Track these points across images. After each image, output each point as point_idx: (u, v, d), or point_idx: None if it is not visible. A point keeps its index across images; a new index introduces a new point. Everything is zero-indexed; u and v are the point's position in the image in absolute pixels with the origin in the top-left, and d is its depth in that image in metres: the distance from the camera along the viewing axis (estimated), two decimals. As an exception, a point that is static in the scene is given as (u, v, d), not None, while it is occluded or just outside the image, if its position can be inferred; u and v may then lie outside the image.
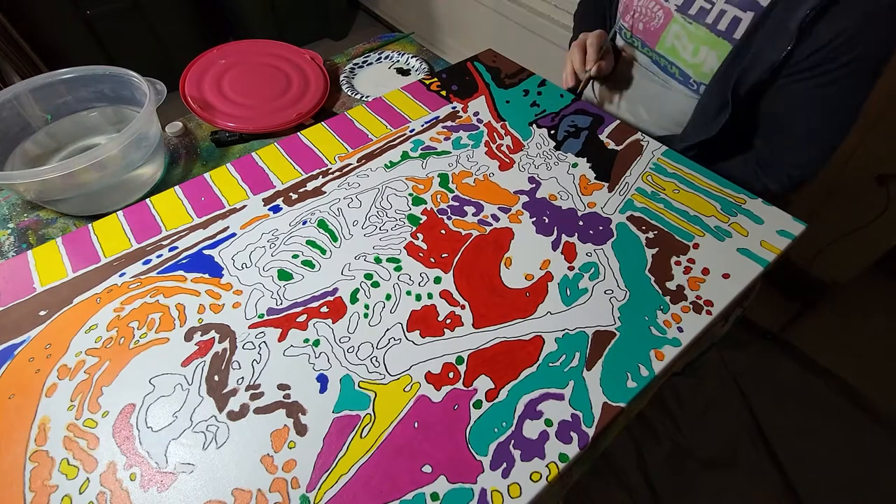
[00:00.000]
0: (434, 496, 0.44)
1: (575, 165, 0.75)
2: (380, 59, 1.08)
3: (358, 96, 0.99)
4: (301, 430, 0.48)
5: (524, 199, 0.70)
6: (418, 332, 0.56)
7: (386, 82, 1.04)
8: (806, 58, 0.65)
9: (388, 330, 0.56)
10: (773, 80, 0.69)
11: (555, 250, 0.64)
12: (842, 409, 1.37)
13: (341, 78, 1.03)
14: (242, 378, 0.52)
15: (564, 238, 0.65)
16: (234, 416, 0.49)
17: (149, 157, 0.78)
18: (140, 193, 0.79)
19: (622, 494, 1.22)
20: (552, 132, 0.80)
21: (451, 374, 0.52)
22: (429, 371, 0.52)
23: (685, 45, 0.76)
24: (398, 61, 1.08)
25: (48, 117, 0.83)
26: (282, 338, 0.55)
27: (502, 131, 0.81)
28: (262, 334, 0.55)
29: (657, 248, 0.63)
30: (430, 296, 0.59)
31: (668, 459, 1.28)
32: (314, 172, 0.74)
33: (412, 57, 1.09)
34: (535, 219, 0.67)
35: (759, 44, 0.68)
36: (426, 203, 0.70)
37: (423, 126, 0.82)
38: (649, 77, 0.87)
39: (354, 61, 1.05)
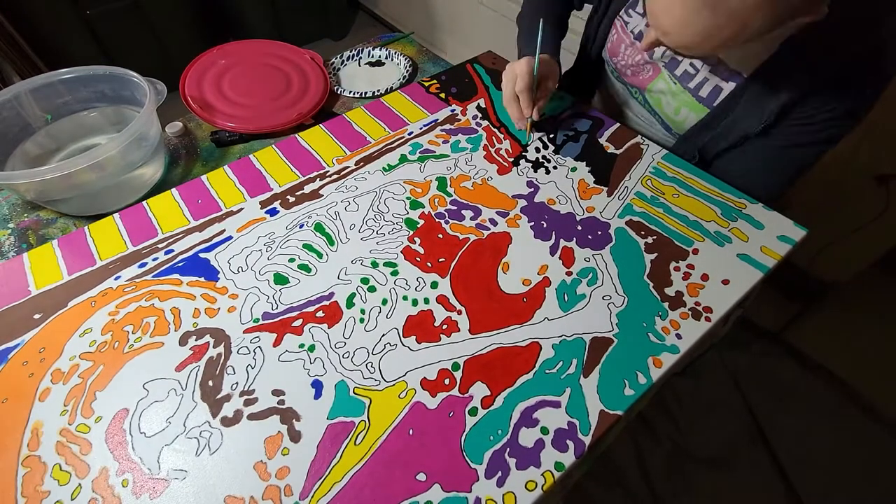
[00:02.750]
0: (428, 505, 0.44)
1: (574, 169, 0.74)
2: (350, 57, 1.08)
3: (348, 93, 0.99)
4: (295, 436, 0.48)
5: (522, 203, 0.70)
6: (414, 337, 0.55)
7: (363, 76, 1.05)
8: (778, 128, 0.67)
9: (383, 335, 0.56)
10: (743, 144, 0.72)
11: (553, 255, 0.63)
12: (842, 409, 1.36)
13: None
14: (237, 383, 0.51)
15: (563, 243, 0.65)
16: (227, 422, 0.49)
17: (149, 157, 0.78)
18: (140, 194, 0.79)
19: (622, 494, 1.22)
20: (551, 136, 0.80)
21: (446, 381, 0.52)
22: (424, 377, 0.52)
23: (669, 101, 0.77)
24: (371, 55, 1.09)
25: (48, 117, 0.83)
26: (277, 343, 0.55)
27: (501, 135, 0.80)
28: (257, 339, 0.55)
29: (656, 254, 0.63)
30: (426, 301, 0.59)
31: (668, 459, 1.27)
32: (312, 175, 0.74)
33: (378, 48, 1.09)
34: (533, 223, 0.67)
35: (735, 115, 0.69)
36: (424, 207, 0.69)
37: (421, 129, 0.81)
38: (635, 114, 0.89)
39: (332, 64, 1.05)
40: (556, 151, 0.77)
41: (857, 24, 0.59)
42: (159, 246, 0.64)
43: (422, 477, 0.45)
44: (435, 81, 0.91)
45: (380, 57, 1.08)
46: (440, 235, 0.66)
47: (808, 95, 0.63)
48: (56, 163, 0.73)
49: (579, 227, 0.66)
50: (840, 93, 0.62)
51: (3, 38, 1.64)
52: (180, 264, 0.62)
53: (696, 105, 0.73)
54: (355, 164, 0.75)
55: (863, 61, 0.60)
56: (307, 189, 0.72)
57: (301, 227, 0.67)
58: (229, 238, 0.65)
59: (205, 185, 0.72)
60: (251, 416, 0.49)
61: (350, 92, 0.98)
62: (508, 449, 0.47)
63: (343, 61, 1.07)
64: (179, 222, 0.67)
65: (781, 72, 0.64)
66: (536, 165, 0.75)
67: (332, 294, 0.59)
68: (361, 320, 0.57)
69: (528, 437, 0.48)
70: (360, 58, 1.08)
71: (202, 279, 0.61)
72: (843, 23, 0.58)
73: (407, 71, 1.03)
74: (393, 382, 0.52)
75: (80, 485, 0.45)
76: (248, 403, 0.50)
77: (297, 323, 0.57)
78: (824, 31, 0.58)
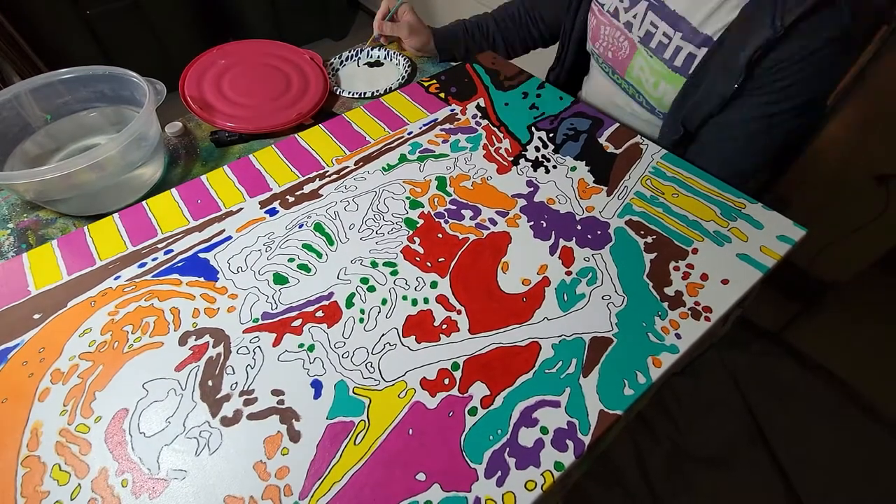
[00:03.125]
0: (427, 504, 0.44)
1: (573, 169, 0.74)
2: (349, 57, 1.08)
3: (347, 94, 0.99)
4: (294, 436, 0.48)
5: (522, 202, 0.70)
6: (414, 337, 0.55)
7: (362, 76, 1.05)
8: (750, 90, 0.70)
9: (383, 335, 0.56)
10: (722, 111, 0.74)
11: (552, 255, 0.63)
12: (842, 409, 1.36)
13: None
14: (236, 383, 0.51)
15: (562, 243, 0.65)
16: (227, 422, 0.49)
17: (148, 157, 0.78)
18: (140, 194, 0.79)
19: (621, 494, 1.22)
20: (551, 135, 0.80)
21: (446, 381, 0.52)
22: (424, 377, 0.52)
23: (647, 77, 0.80)
24: (370, 55, 1.09)
25: (48, 117, 0.83)
26: (276, 343, 0.55)
27: (501, 134, 0.80)
28: (257, 339, 0.55)
29: (656, 253, 0.63)
30: (426, 300, 0.59)
31: (668, 459, 1.28)
32: (311, 175, 0.74)
33: (377, 48, 1.09)
34: (532, 223, 0.67)
35: (709, 79, 0.72)
36: (423, 206, 0.69)
37: (421, 129, 0.81)
38: (619, 106, 0.92)
39: (331, 64, 1.05)
40: (555, 151, 0.77)
41: None
42: (159, 246, 0.64)
43: (421, 476, 0.45)
44: (434, 81, 0.91)
45: (378, 57, 1.08)
46: (440, 235, 0.66)
47: (777, 43, 0.65)
48: (55, 163, 0.73)
49: (579, 227, 0.66)
50: (814, 26, 0.63)
51: (3, 38, 1.64)
52: (180, 264, 0.62)
53: (673, 76, 0.76)
54: (355, 164, 0.75)
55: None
56: (307, 189, 0.72)
57: (300, 226, 0.67)
58: (229, 238, 0.65)
59: (204, 185, 0.72)
60: (251, 416, 0.49)
61: (349, 92, 0.98)
62: (508, 449, 0.47)
63: (342, 62, 1.07)
64: (179, 222, 0.67)
65: (746, 28, 0.66)
66: (536, 165, 0.75)
67: (331, 294, 0.59)
68: (361, 320, 0.57)
69: (527, 437, 0.48)
70: (359, 58, 1.08)
71: (202, 279, 0.61)
72: None
73: (406, 71, 1.03)
74: (392, 382, 0.52)
75: (79, 485, 0.45)
76: (247, 403, 0.50)
77: (297, 323, 0.57)
78: None
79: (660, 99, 0.80)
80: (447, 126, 0.81)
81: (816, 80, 0.67)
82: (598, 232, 0.66)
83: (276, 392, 0.51)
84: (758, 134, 0.73)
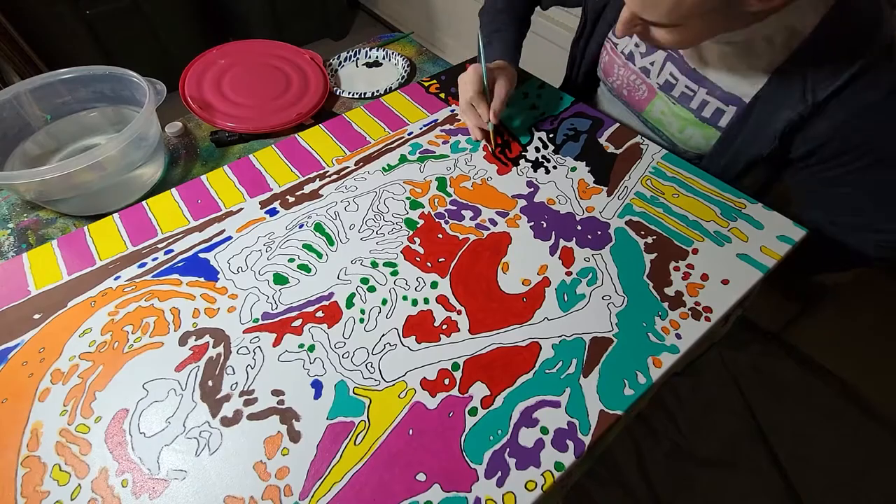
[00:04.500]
0: (428, 505, 0.44)
1: (574, 169, 0.74)
2: (348, 58, 1.08)
3: (347, 94, 0.99)
4: (295, 436, 0.48)
5: (522, 203, 0.70)
6: (414, 337, 0.55)
7: (362, 77, 1.05)
8: (813, 162, 0.65)
9: (383, 335, 0.56)
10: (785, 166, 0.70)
11: (552, 255, 0.63)
12: (842, 409, 1.36)
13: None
14: (236, 383, 0.51)
15: (562, 243, 0.65)
16: (227, 422, 0.49)
17: (148, 157, 0.78)
18: (140, 194, 0.79)
19: (621, 494, 1.21)
20: (551, 135, 0.80)
21: (446, 381, 0.52)
22: (424, 377, 0.52)
23: (671, 121, 0.76)
24: (368, 56, 1.09)
25: (48, 117, 0.83)
26: (276, 343, 0.55)
27: (501, 135, 0.80)
28: (257, 339, 0.55)
29: (656, 254, 0.63)
30: (426, 301, 0.59)
31: (668, 459, 1.27)
32: (311, 175, 0.74)
33: (375, 49, 1.09)
34: (532, 223, 0.67)
35: (744, 138, 0.68)
36: (423, 207, 0.69)
37: (421, 129, 0.81)
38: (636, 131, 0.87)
39: (330, 65, 1.05)
40: (555, 151, 0.77)
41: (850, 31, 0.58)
42: (159, 246, 0.64)
43: (421, 477, 0.45)
44: (435, 81, 0.91)
45: (377, 57, 1.08)
46: (440, 235, 0.66)
47: (809, 119, 0.61)
48: (56, 163, 0.73)
49: (579, 227, 0.66)
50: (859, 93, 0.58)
51: (3, 38, 1.64)
52: (180, 264, 0.62)
53: (702, 125, 0.72)
54: (355, 165, 0.75)
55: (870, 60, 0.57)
56: (307, 189, 0.72)
57: (301, 227, 0.67)
58: (229, 238, 0.65)
59: (204, 185, 0.72)
60: (251, 416, 0.49)
61: (349, 93, 0.98)
62: (508, 449, 0.47)
63: (340, 62, 1.07)
64: (179, 222, 0.67)
65: (777, 97, 0.63)
66: (536, 165, 0.75)
67: (331, 294, 0.59)
68: (361, 320, 0.57)
69: (527, 437, 0.48)
70: (357, 59, 1.08)
71: (202, 279, 0.61)
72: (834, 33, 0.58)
73: (405, 71, 1.03)
74: (393, 382, 0.52)
75: (79, 485, 0.45)
76: (247, 403, 0.50)
77: (297, 323, 0.57)
78: (816, 44, 0.59)
79: (686, 141, 0.76)
80: (447, 127, 0.81)
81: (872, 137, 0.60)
82: (599, 232, 0.66)
83: (276, 392, 0.51)
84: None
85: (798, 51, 0.61)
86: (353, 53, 1.08)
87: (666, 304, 0.58)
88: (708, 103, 0.70)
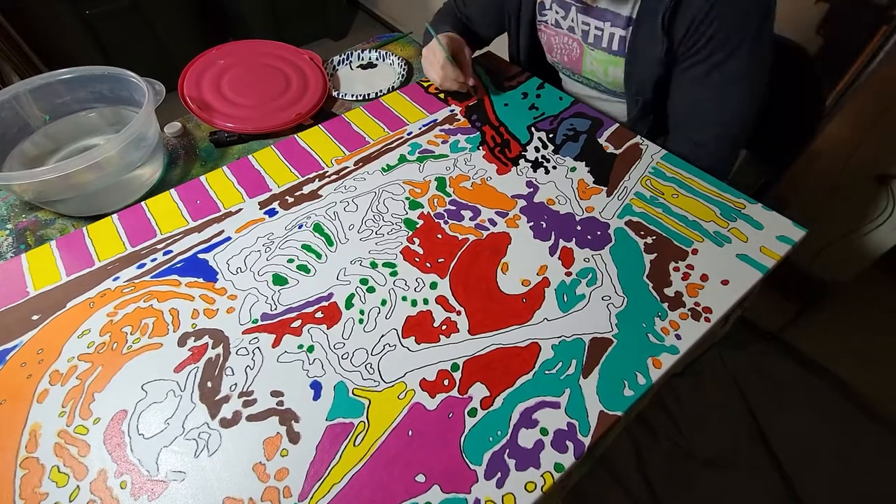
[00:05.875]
0: (427, 506, 0.44)
1: (573, 169, 0.74)
2: (341, 62, 1.07)
3: (349, 97, 0.99)
4: (294, 437, 0.48)
5: (522, 203, 0.70)
6: (413, 338, 0.55)
7: (360, 78, 1.05)
8: (684, 50, 0.72)
9: (382, 336, 0.55)
10: (669, 75, 0.77)
11: (552, 256, 0.63)
12: (842, 409, 1.36)
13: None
14: (235, 384, 0.51)
15: (562, 243, 0.64)
16: (226, 424, 0.48)
17: (147, 157, 0.78)
18: (139, 194, 0.79)
19: (622, 494, 1.21)
20: (551, 135, 0.80)
21: (445, 382, 0.52)
22: (423, 378, 0.52)
23: (597, 67, 0.85)
24: (361, 57, 1.08)
25: (46, 118, 0.83)
26: (276, 344, 0.55)
27: (500, 135, 0.80)
28: (256, 340, 0.55)
29: (656, 254, 0.63)
30: (425, 301, 0.59)
31: (668, 459, 1.27)
32: (311, 175, 0.74)
33: (370, 50, 1.09)
34: (532, 223, 0.67)
35: (642, 51, 0.76)
36: (423, 207, 0.69)
37: (420, 129, 0.81)
38: (592, 97, 0.96)
39: (328, 65, 1.05)
40: (555, 151, 0.77)
41: None
42: (158, 247, 0.64)
43: (421, 478, 0.45)
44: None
45: (371, 59, 1.08)
46: (439, 236, 0.66)
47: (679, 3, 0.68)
48: (54, 163, 0.73)
49: (579, 228, 0.66)
50: None
51: (3, 38, 1.64)
52: (179, 265, 0.62)
53: (615, 59, 0.80)
54: (354, 165, 0.75)
55: None
56: (306, 189, 0.72)
57: (300, 227, 0.67)
58: (228, 239, 0.65)
59: (203, 186, 0.72)
60: (250, 418, 0.49)
61: (349, 95, 0.98)
62: (508, 450, 0.47)
63: (334, 66, 1.06)
64: (178, 223, 0.67)
65: (653, 2, 0.70)
66: (536, 165, 0.75)
67: (331, 295, 0.59)
68: (360, 321, 0.57)
69: (527, 438, 0.48)
70: (350, 61, 1.08)
71: (201, 280, 0.61)
72: None
73: (403, 71, 1.03)
74: (392, 383, 0.52)
75: (78, 486, 0.45)
76: (246, 404, 0.50)
77: (296, 324, 0.56)
78: None
79: (614, 81, 0.84)
80: (447, 126, 0.81)
81: (738, 18, 0.68)
82: (598, 232, 0.66)
83: (275, 393, 0.51)
84: (722, 87, 0.74)
85: None
86: (345, 57, 1.07)
87: (666, 305, 0.58)
88: (613, 35, 0.78)
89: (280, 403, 0.50)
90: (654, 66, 0.76)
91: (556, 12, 0.86)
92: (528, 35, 0.95)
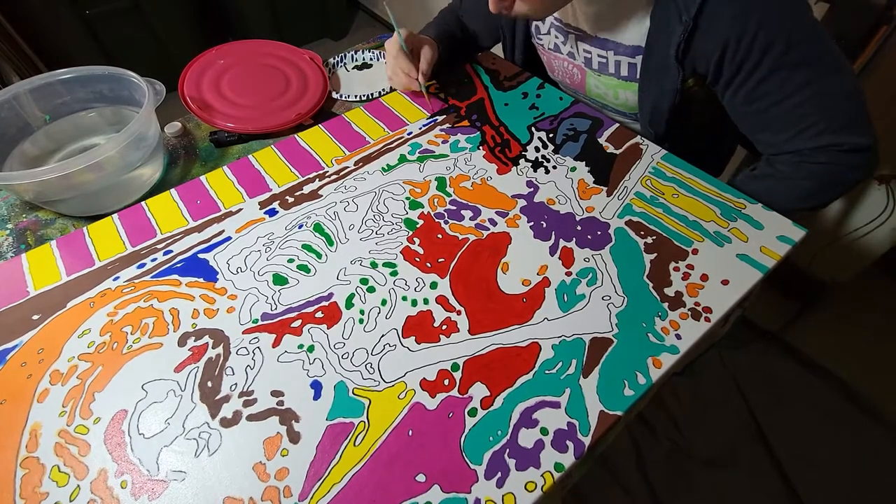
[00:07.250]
0: (427, 506, 0.44)
1: (573, 169, 0.74)
2: (335, 64, 1.07)
3: (350, 97, 0.99)
4: (294, 437, 0.48)
5: (522, 203, 0.70)
6: (413, 338, 0.55)
7: (359, 79, 1.04)
8: (729, 75, 0.67)
9: (383, 336, 0.56)
10: (687, 105, 0.74)
11: (552, 255, 0.63)
12: (842, 409, 1.36)
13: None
14: (236, 384, 0.51)
15: (562, 243, 0.64)
16: (226, 423, 0.49)
17: (148, 157, 0.78)
18: (139, 194, 0.79)
19: (621, 494, 1.22)
20: (551, 135, 0.80)
21: (446, 382, 0.52)
22: (424, 378, 0.52)
23: (606, 92, 0.83)
24: (354, 59, 1.08)
25: (47, 118, 0.83)
26: (276, 343, 0.55)
27: (501, 134, 0.80)
28: (256, 340, 0.55)
29: (656, 254, 0.63)
30: (425, 301, 0.59)
31: (668, 459, 1.27)
32: (311, 175, 0.74)
33: (365, 51, 1.08)
34: (532, 223, 0.67)
35: (654, 80, 0.73)
36: (423, 207, 0.69)
37: (420, 129, 0.81)
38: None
39: (328, 65, 1.05)
40: (555, 151, 0.77)
41: None
42: (158, 246, 0.64)
43: (421, 478, 0.45)
44: (434, 81, 0.91)
45: (366, 59, 1.08)
46: (439, 236, 0.66)
47: (692, 36, 0.65)
48: (54, 163, 0.73)
49: (579, 227, 0.66)
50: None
51: (3, 38, 1.64)
52: (179, 265, 0.62)
53: (626, 84, 0.78)
54: (354, 165, 0.75)
55: None
56: (306, 189, 0.72)
57: (300, 227, 0.67)
58: (228, 239, 0.65)
59: (204, 186, 0.72)
60: (250, 417, 0.49)
61: (351, 96, 0.98)
62: (508, 450, 0.47)
63: (330, 69, 1.06)
64: (178, 223, 0.67)
65: (665, 30, 0.67)
66: (536, 165, 0.75)
67: (331, 294, 0.59)
68: (361, 321, 0.57)
69: (527, 438, 0.48)
70: (345, 63, 1.07)
71: (201, 280, 0.61)
72: None
73: None
74: (392, 383, 0.52)
75: (78, 486, 0.45)
76: (247, 404, 0.50)
77: (297, 324, 0.57)
78: None
79: (624, 104, 0.82)
80: (447, 126, 0.81)
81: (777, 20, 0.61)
82: (598, 232, 0.66)
83: (275, 393, 0.51)
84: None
85: None
86: (339, 58, 1.07)
87: (666, 305, 0.58)
88: (620, 62, 0.76)
89: (280, 403, 0.50)
90: (669, 95, 0.72)
91: (556, 37, 0.84)
92: (524, 51, 0.94)
